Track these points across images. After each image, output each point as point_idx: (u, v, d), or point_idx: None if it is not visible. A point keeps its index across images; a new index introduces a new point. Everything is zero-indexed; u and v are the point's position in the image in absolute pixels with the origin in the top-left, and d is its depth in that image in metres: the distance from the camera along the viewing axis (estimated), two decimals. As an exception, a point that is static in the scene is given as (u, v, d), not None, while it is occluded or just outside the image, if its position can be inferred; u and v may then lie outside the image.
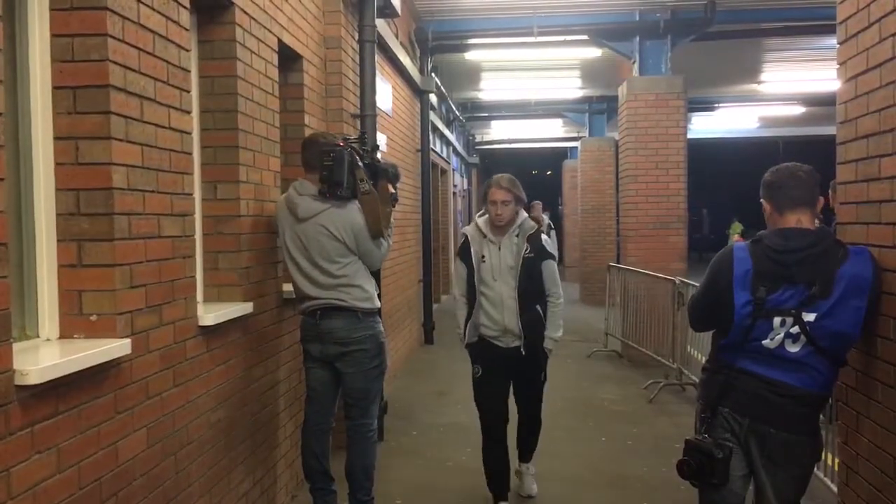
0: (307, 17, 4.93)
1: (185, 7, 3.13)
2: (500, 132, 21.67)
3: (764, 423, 2.74)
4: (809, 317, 2.64)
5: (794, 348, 2.69)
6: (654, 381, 7.68)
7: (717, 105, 16.29)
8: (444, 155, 14.64)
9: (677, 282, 7.82)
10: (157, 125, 2.87)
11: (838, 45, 3.07)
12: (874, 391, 2.79)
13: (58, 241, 2.58)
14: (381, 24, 6.26)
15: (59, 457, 2.32)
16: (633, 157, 9.25)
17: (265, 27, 4.10)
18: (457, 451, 5.59)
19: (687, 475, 2.83)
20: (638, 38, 9.36)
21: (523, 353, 4.39)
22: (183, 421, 3.14)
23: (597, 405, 7.16)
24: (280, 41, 4.35)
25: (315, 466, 4.12)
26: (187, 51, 3.17)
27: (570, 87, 14.87)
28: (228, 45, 3.69)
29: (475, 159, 22.64)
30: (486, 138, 22.91)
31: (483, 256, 4.40)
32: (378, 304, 4.14)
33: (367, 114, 5.64)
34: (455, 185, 17.84)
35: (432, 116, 11.10)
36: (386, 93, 7.41)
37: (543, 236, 4.50)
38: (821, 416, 2.92)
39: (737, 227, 25.67)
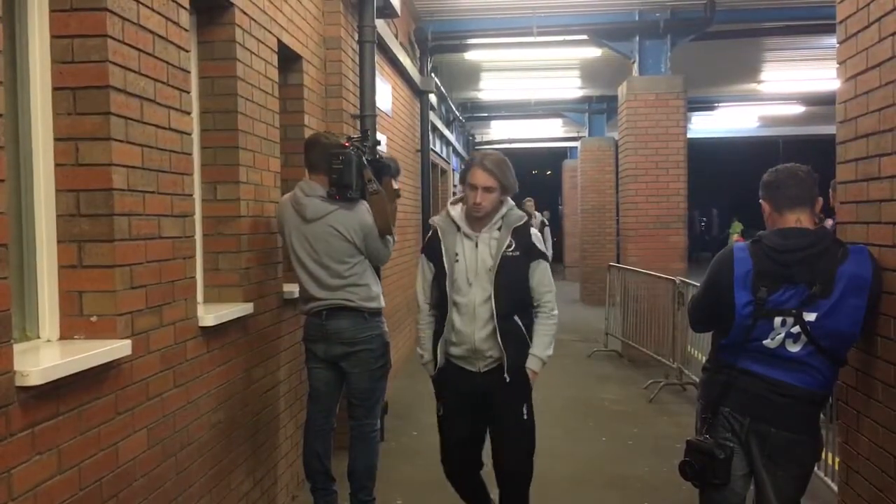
0: (307, 18, 4.92)
1: (184, 8, 3.13)
2: (500, 132, 21.66)
3: (765, 423, 2.75)
4: (810, 316, 2.65)
5: (794, 348, 2.70)
6: (655, 381, 7.68)
7: (716, 104, 16.29)
8: (444, 155, 14.63)
9: (677, 281, 7.82)
10: (157, 126, 2.87)
11: (838, 45, 3.08)
12: (874, 390, 2.79)
13: (58, 242, 2.58)
14: (380, 24, 6.26)
15: (59, 458, 2.32)
16: (632, 157, 9.25)
17: (265, 28, 4.10)
18: (457, 451, 5.58)
19: (689, 476, 2.83)
20: (638, 38, 9.36)
21: (505, 378, 3.47)
22: (183, 422, 3.14)
23: (597, 405, 7.16)
24: (280, 42, 4.35)
25: (317, 467, 4.12)
26: (187, 52, 3.17)
27: (570, 87, 14.87)
28: (228, 45, 3.70)
29: (475, 159, 22.59)
30: (486, 138, 22.89)
31: (456, 255, 3.53)
32: (383, 303, 4.16)
33: (366, 114, 5.64)
34: (455, 186, 17.83)
35: (432, 116, 11.09)
36: (386, 93, 7.41)
37: (534, 231, 3.60)
38: (821, 415, 2.93)
39: (737, 227, 25.69)
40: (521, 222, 3.53)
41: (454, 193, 17.77)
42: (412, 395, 7.29)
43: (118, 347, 2.56)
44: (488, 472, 3.74)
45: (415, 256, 9.60)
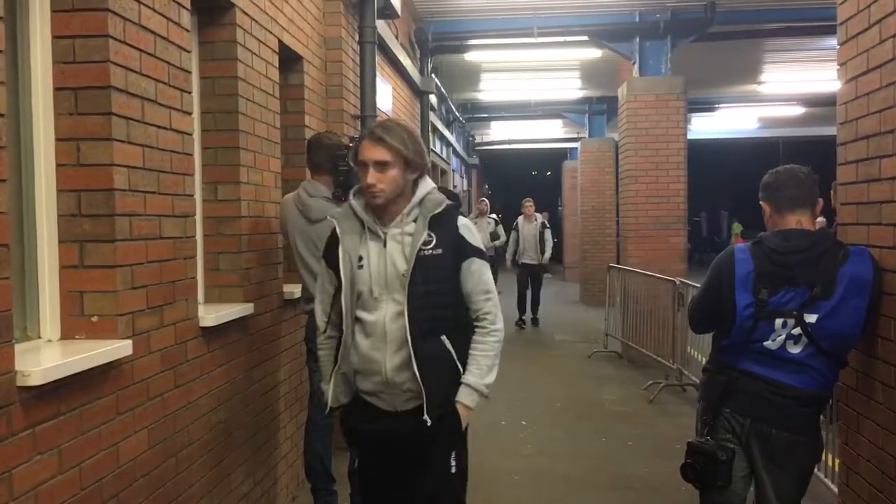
0: (307, 19, 4.93)
1: (185, 8, 3.13)
2: (500, 133, 21.69)
3: (766, 424, 2.75)
4: (811, 318, 2.65)
5: (795, 349, 2.70)
6: (655, 382, 7.68)
7: (717, 106, 16.30)
8: (444, 156, 14.64)
9: (677, 282, 7.82)
10: (158, 126, 2.88)
11: (839, 46, 3.08)
12: (874, 392, 2.79)
13: (59, 242, 2.59)
14: (381, 25, 6.27)
15: (60, 458, 2.32)
16: (633, 158, 9.25)
17: (266, 28, 4.10)
18: (457, 451, 5.59)
19: (691, 478, 2.83)
20: (638, 39, 9.37)
21: (425, 421, 2.64)
22: (184, 422, 3.14)
23: (597, 406, 7.16)
24: (280, 42, 4.35)
25: (317, 467, 4.13)
26: (188, 52, 3.17)
27: (570, 88, 14.88)
28: (229, 46, 3.70)
29: (475, 160, 22.65)
30: (486, 139, 22.92)
31: (360, 259, 2.68)
32: None
33: (367, 115, 5.65)
34: (455, 186, 17.84)
35: (432, 117, 11.10)
36: (386, 94, 7.41)
37: (463, 221, 2.75)
38: (821, 416, 2.93)
39: (737, 228, 25.70)
40: (441, 209, 2.67)
41: (454, 194, 17.80)
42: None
43: (119, 347, 2.56)
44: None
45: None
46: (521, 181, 33.92)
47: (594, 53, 10.47)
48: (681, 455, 2.88)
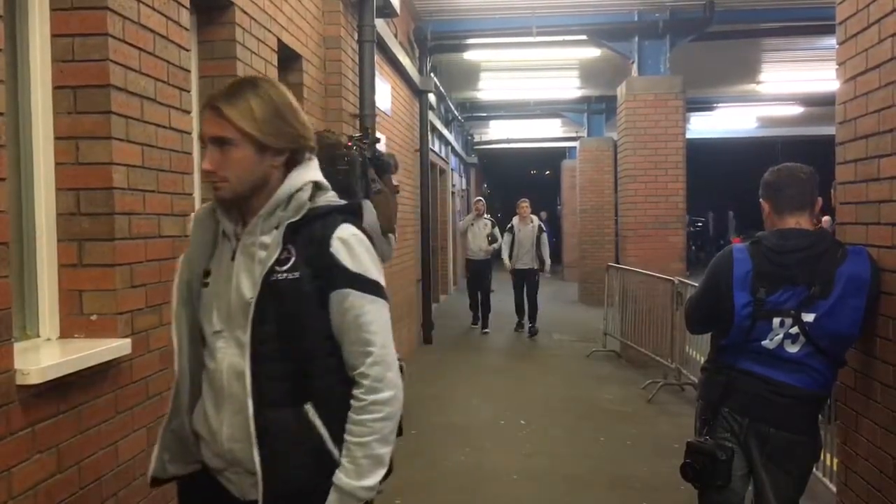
0: (307, 17, 4.93)
1: (185, 7, 3.13)
2: (499, 132, 21.68)
3: (764, 423, 2.75)
4: (809, 317, 2.65)
5: (793, 349, 2.70)
6: (653, 381, 7.69)
7: (715, 105, 16.31)
8: (443, 155, 14.65)
9: (676, 282, 7.82)
10: (157, 125, 2.88)
11: (837, 46, 3.08)
12: (873, 391, 2.80)
13: (58, 240, 2.59)
14: (380, 23, 6.27)
15: (59, 456, 2.32)
16: (631, 157, 9.25)
17: (265, 27, 4.10)
18: (455, 451, 5.59)
19: (690, 477, 2.83)
20: (637, 38, 9.37)
21: None
22: (183, 421, 3.14)
23: (596, 405, 7.16)
24: (280, 41, 4.35)
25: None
26: (187, 51, 3.17)
27: (569, 87, 14.88)
28: (228, 45, 3.70)
29: (474, 159, 22.65)
30: (485, 138, 22.92)
31: (208, 274, 1.89)
32: None
33: (366, 113, 5.65)
34: (454, 185, 17.85)
35: (431, 116, 11.10)
36: (385, 93, 7.41)
37: (346, 232, 1.83)
38: (820, 416, 2.93)
39: (734, 227, 25.74)
40: (300, 215, 1.81)
41: (453, 193, 17.81)
42: (411, 395, 7.25)
43: (118, 346, 2.56)
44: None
45: (413, 257, 9.64)
46: (519, 180, 33.93)
47: (593, 53, 10.47)
48: (679, 454, 2.88)
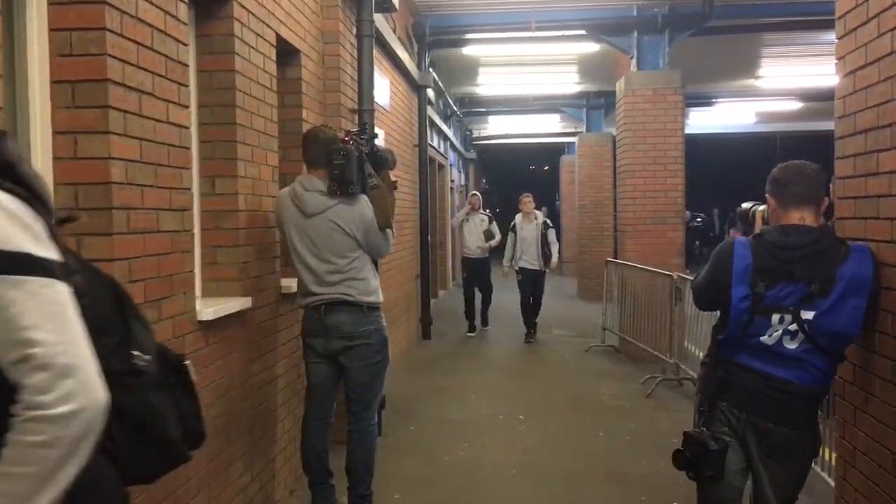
0: (305, 12, 4.92)
1: (183, 1, 3.12)
2: (498, 127, 21.66)
3: (763, 419, 2.75)
4: (808, 315, 2.65)
5: (792, 345, 2.70)
6: (652, 377, 7.70)
7: (714, 100, 16.30)
8: (442, 150, 14.63)
9: (675, 277, 7.83)
10: (155, 120, 2.87)
11: (837, 40, 3.08)
12: (872, 386, 2.80)
13: (56, 235, 2.58)
14: (378, 18, 6.25)
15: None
16: (630, 153, 9.25)
17: (263, 22, 4.09)
18: (454, 446, 5.60)
19: (682, 465, 2.85)
20: (636, 33, 9.36)
21: None
22: (182, 416, 3.14)
23: (594, 400, 7.17)
24: (278, 36, 4.34)
25: (314, 461, 4.13)
26: (185, 45, 3.16)
27: (568, 83, 14.87)
28: (226, 39, 3.69)
29: (472, 154, 22.64)
30: (484, 134, 22.90)
31: None
32: (381, 298, 4.16)
33: (365, 108, 5.64)
34: (452, 181, 17.84)
35: (430, 111, 11.09)
36: (384, 88, 7.40)
37: None
38: (819, 411, 2.93)
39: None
40: None
41: (452, 189, 17.80)
42: (410, 390, 7.30)
43: (117, 341, 2.56)
44: None
45: (412, 252, 9.63)
46: (518, 176, 33.91)
47: (592, 48, 10.46)
48: (678, 449, 2.89)
